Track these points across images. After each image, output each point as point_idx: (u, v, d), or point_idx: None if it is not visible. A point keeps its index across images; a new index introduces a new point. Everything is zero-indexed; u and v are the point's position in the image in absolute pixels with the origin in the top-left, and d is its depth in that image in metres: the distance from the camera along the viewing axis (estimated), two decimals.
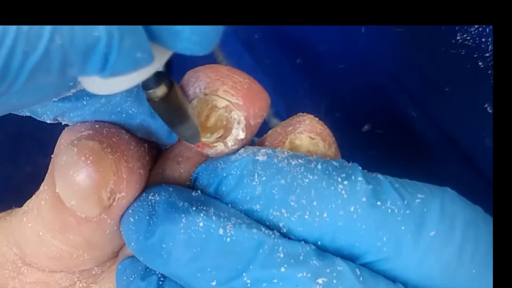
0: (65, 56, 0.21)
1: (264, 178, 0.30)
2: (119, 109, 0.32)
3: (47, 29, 0.20)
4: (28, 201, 0.35)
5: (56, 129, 0.34)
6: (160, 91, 0.27)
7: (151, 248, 0.30)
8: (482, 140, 0.40)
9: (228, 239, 0.29)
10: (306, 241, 0.29)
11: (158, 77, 0.27)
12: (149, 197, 0.31)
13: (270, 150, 0.31)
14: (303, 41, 0.52)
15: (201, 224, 0.29)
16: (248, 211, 0.30)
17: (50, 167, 0.33)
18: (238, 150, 0.32)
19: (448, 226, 0.29)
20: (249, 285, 0.28)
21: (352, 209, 0.29)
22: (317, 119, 0.33)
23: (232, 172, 0.30)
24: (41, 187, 0.33)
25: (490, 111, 0.37)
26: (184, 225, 0.29)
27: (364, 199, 0.29)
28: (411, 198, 0.29)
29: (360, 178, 0.29)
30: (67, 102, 0.32)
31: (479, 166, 0.42)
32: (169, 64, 0.27)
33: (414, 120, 0.46)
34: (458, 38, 0.37)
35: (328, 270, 0.28)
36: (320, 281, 0.28)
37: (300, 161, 0.30)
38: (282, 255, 0.28)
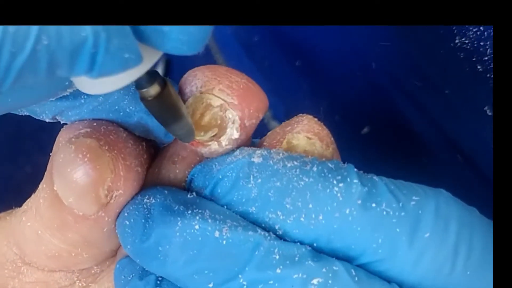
0: (52, 56, 0.21)
1: (259, 180, 0.30)
2: (116, 107, 0.32)
3: (34, 29, 0.20)
4: (28, 200, 0.35)
5: (56, 129, 0.34)
6: (153, 90, 0.27)
7: (148, 251, 0.30)
8: (482, 142, 0.40)
9: (224, 242, 0.29)
10: (302, 243, 0.29)
11: (151, 76, 0.27)
12: (145, 200, 0.31)
13: (265, 152, 0.31)
14: (302, 44, 0.52)
15: (196, 227, 0.29)
16: (244, 213, 0.30)
17: (48, 165, 0.33)
18: (232, 150, 0.32)
19: (442, 228, 0.29)
20: (245, 286, 0.28)
21: (347, 211, 0.29)
22: (315, 119, 0.33)
23: (227, 174, 0.30)
24: (40, 186, 0.33)
25: (489, 113, 0.37)
26: (180, 228, 0.29)
27: (359, 202, 0.29)
28: (406, 200, 0.29)
29: (355, 180, 0.29)
30: (65, 101, 0.32)
31: (479, 167, 0.42)
32: (168, 65, 0.27)
33: (414, 122, 0.46)
34: (456, 41, 0.37)
35: (323, 270, 0.28)
36: (315, 281, 0.28)
37: (295, 163, 0.30)
38: (277, 257, 0.28)
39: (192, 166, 0.33)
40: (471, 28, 0.36)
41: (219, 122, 0.31)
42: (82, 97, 0.32)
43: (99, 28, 0.21)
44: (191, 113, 0.31)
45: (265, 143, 0.33)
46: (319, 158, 0.31)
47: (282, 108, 0.57)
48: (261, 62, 0.58)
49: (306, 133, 0.32)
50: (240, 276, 0.28)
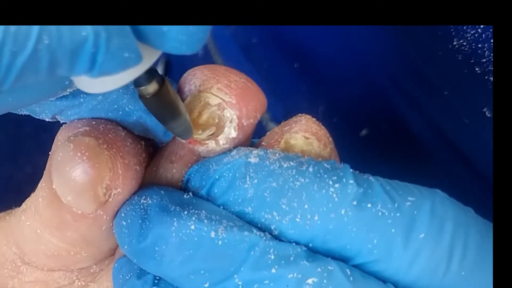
0: (53, 55, 0.21)
1: (256, 180, 0.30)
2: (115, 106, 0.33)
3: (35, 28, 0.21)
4: (27, 199, 0.35)
5: (56, 129, 0.34)
6: (152, 88, 0.28)
7: (145, 251, 0.30)
8: (481, 144, 0.40)
9: (220, 242, 0.29)
10: (297, 243, 0.29)
11: (149, 74, 0.27)
12: (141, 201, 0.31)
13: (262, 152, 0.31)
14: (301, 45, 0.52)
15: (192, 227, 0.29)
16: (240, 213, 0.30)
17: (47, 164, 0.33)
18: (229, 149, 0.32)
19: (437, 228, 0.29)
20: (240, 286, 0.28)
21: (343, 212, 0.29)
22: (313, 119, 0.33)
23: (224, 174, 0.31)
24: (39, 185, 0.33)
25: (488, 115, 0.37)
26: (176, 229, 0.29)
27: (355, 202, 0.29)
28: (401, 200, 0.29)
29: (351, 181, 0.29)
30: (64, 100, 0.32)
31: (478, 168, 0.42)
32: (167, 65, 0.27)
33: (413, 124, 0.46)
34: (454, 43, 0.37)
35: (318, 269, 0.28)
36: (310, 281, 0.28)
37: (291, 163, 0.30)
38: (273, 257, 0.28)
39: (189, 165, 0.33)
40: (468, 30, 0.36)
41: (216, 121, 0.31)
42: (81, 96, 0.32)
43: (100, 27, 0.22)
44: (189, 111, 0.31)
45: (263, 143, 0.33)
46: (316, 158, 0.31)
47: (281, 110, 0.57)
48: (260, 64, 0.58)
49: (304, 132, 0.32)
50: (235, 276, 0.28)
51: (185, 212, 0.30)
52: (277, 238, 0.30)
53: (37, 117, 0.33)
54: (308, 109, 0.52)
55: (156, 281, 0.31)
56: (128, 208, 0.32)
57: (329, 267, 0.28)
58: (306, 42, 0.52)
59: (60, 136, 0.33)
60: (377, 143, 0.49)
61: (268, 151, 0.31)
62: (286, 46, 0.54)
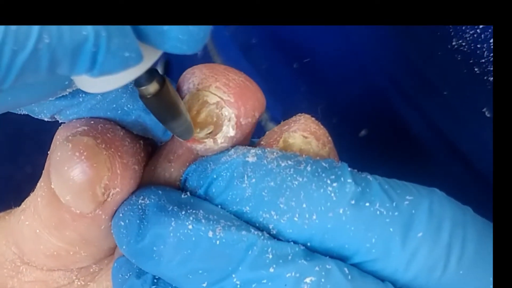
0: (53, 55, 0.21)
1: (253, 180, 0.30)
2: (114, 105, 0.33)
3: (35, 28, 0.21)
4: (26, 199, 0.35)
5: (56, 129, 0.34)
6: (152, 87, 0.28)
7: (143, 251, 0.30)
8: (480, 144, 0.40)
9: (218, 242, 0.29)
10: (295, 243, 0.29)
11: (150, 74, 0.27)
12: (139, 201, 0.31)
13: (260, 151, 0.31)
14: (300, 46, 0.52)
15: (190, 227, 0.29)
16: (238, 212, 0.30)
17: (46, 163, 0.33)
18: (227, 148, 0.32)
19: (436, 227, 0.29)
20: (238, 286, 0.28)
21: (341, 211, 0.29)
22: (313, 118, 0.33)
23: (222, 173, 0.31)
24: (38, 184, 0.33)
25: (488, 115, 0.37)
26: (174, 229, 0.29)
27: (353, 201, 0.29)
28: (399, 199, 0.29)
29: (349, 180, 0.29)
30: (63, 100, 0.32)
31: (477, 169, 0.42)
32: (167, 65, 0.27)
33: (412, 124, 0.46)
34: (454, 43, 0.37)
35: (316, 268, 0.28)
36: (308, 280, 0.28)
37: (289, 162, 0.30)
38: (271, 256, 0.28)
39: (187, 164, 0.33)
40: (468, 30, 0.36)
41: (215, 119, 0.31)
42: (80, 95, 0.32)
43: (100, 27, 0.22)
44: (187, 109, 0.31)
45: (262, 143, 0.33)
46: (314, 157, 0.31)
47: (280, 110, 0.57)
48: (259, 64, 0.58)
49: (302, 132, 0.32)
50: (233, 275, 0.28)
51: (183, 212, 0.30)
52: (275, 237, 0.30)
53: (36, 117, 0.34)
54: (308, 109, 0.52)
55: (155, 281, 0.31)
56: (126, 208, 0.32)
57: (327, 266, 0.28)
58: (306, 42, 0.52)
59: (59, 136, 0.33)
60: (377, 143, 0.49)
61: (266, 150, 0.31)
62: (285, 47, 0.54)
